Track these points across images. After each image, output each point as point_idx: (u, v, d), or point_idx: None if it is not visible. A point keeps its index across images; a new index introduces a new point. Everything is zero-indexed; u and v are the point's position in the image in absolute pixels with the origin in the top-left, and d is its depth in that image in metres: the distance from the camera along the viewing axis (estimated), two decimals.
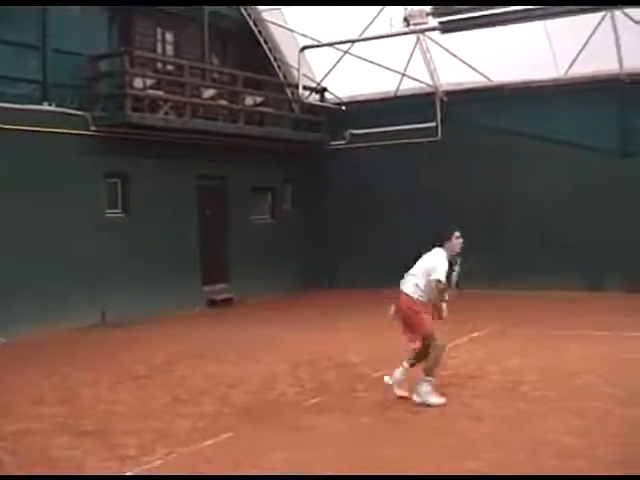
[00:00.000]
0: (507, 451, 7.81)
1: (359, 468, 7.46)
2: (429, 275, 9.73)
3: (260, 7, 22.88)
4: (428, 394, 9.67)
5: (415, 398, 9.72)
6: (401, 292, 9.89)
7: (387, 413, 9.39)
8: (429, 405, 9.58)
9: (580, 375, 11.04)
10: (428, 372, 9.72)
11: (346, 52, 22.47)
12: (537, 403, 9.65)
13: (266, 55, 23.60)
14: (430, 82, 22.45)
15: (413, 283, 9.85)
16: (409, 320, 9.81)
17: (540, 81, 21.01)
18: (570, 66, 20.42)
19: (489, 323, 16.04)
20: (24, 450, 8.34)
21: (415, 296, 9.77)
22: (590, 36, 19.45)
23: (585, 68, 20.19)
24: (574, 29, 19.33)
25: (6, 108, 15.98)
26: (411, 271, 10.03)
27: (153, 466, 7.66)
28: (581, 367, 11.59)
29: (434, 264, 9.76)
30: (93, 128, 17.93)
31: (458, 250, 10.09)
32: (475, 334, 14.89)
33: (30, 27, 16.99)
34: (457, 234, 10.06)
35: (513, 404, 9.65)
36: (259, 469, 7.48)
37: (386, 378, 10.08)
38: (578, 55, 20.01)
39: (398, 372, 10.01)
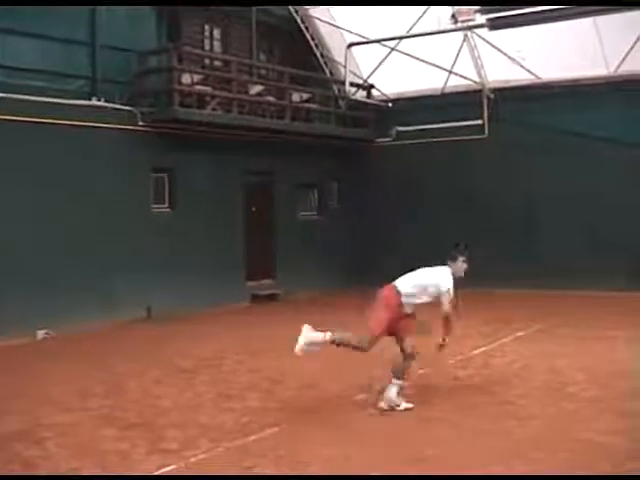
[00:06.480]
0: (553, 451, 7.73)
1: (401, 466, 7.42)
2: (427, 289, 9.43)
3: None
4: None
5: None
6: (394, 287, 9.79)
7: (432, 413, 9.33)
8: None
9: (628, 376, 10.91)
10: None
11: (393, 49, 22.38)
12: (584, 403, 9.56)
13: (313, 52, 23.59)
14: (477, 79, 22.30)
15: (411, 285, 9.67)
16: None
17: (589, 79, 20.75)
18: (620, 64, 20.17)
19: (534, 322, 15.93)
20: (71, 441, 8.43)
21: (404, 298, 9.60)
22: None
23: (635, 66, 19.92)
24: (624, 26, 19.10)
25: (56, 103, 16.18)
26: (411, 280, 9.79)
27: (198, 459, 7.69)
28: (629, 368, 11.46)
29: (437, 281, 9.41)
30: (141, 123, 18.10)
31: (462, 274, 9.60)
32: (520, 333, 14.79)
33: (79, 24, 17.17)
34: (463, 258, 9.54)
35: (560, 404, 9.56)
36: (300, 465, 7.48)
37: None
38: (629, 52, 19.78)
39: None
